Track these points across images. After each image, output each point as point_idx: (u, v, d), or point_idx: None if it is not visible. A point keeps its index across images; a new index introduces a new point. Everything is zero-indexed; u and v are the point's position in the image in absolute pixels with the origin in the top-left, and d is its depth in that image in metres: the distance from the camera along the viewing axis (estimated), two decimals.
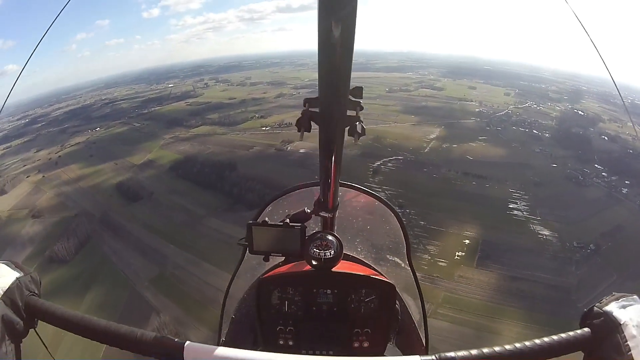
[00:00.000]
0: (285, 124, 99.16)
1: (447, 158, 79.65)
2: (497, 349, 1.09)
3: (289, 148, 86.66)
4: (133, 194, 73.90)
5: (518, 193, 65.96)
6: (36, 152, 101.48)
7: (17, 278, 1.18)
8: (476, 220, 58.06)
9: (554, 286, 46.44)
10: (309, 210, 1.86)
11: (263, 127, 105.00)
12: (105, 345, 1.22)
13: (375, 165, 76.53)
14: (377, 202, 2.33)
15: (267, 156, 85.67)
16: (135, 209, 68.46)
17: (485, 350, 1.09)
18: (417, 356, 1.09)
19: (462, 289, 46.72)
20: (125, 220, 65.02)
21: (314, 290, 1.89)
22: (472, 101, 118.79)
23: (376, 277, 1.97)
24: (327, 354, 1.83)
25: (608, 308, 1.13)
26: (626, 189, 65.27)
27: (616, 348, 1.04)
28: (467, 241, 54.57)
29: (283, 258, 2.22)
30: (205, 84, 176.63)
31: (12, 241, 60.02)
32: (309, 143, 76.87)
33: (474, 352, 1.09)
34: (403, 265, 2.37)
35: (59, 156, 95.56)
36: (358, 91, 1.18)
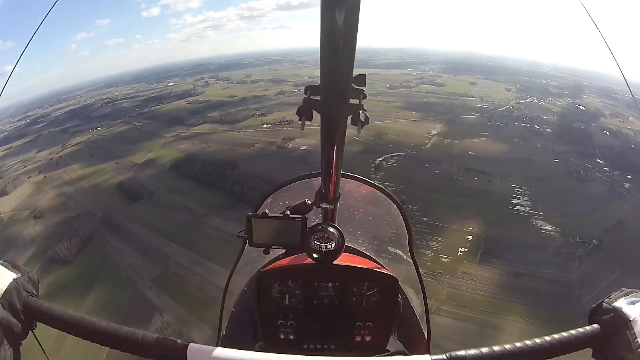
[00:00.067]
0: (286, 121, 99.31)
1: (448, 154, 79.65)
2: (507, 346, 1.09)
3: (290, 145, 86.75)
4: (134, 193, 74.10)
5: (520, 188, 65.90)
6: (37, 152, 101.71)
7: (14, 279, 1.16)
8: (478, 216, 58.13)
9: (557, 282, 46.50)
10: (309, 202, 1.81)
11: (264, 124, 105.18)
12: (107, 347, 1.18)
13: (377, 161, 76.52)
14: (378, 193, 2.28)
15: (269, 154, 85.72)
16: (137, 208, 68.61)
17: (496, 348, 1.09)
18: (428, 355, 1.09)
19: (466, 285, 46.79)
20: (126, 219, 65.17)
21: (315, 283, 1.85)
22: (473, 97, 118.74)
23: (378, 269, 1.93)
24: (329, 348, 1.79)
25: (617, 304, 1.12)
26: (628, 184, 65.16)
27: (626, 344, 1.03)
28: (469, 237, 54.61)
29: (283, 250, 2.18)
30: (206, 82, 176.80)
31: (14, 242, 60.22)
32: (311, 140, 77.03)
33: (484, 350, 1.09)
34: (405, 257, 2.33)
35: (60, 156, 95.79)
36: (361, 78, 1.14)
